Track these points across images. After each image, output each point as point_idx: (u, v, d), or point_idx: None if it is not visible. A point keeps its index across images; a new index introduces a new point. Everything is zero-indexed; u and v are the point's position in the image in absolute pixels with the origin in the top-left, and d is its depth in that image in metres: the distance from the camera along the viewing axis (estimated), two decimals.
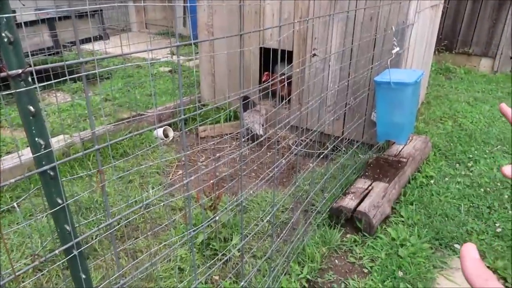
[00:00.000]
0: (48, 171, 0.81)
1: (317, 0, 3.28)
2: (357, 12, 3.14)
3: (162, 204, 2.79)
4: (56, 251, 0.84)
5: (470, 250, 0.39)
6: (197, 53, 4.80)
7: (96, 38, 5.49)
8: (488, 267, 2.21)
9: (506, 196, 2.94)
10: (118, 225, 2.53)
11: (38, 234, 2.42)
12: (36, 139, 0.78)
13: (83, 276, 0.91)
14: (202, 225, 1.26)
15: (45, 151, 0.79)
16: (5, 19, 0.69)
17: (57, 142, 3.34)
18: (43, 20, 4.93)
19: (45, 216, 2.55)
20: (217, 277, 2.24)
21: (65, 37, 5.22)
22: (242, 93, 1.18)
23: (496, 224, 2.64)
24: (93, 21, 5.61)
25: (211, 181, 2.32)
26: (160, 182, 3.18)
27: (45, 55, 4.81)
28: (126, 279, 0.97)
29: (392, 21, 3.04)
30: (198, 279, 1.43)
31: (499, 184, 3.09)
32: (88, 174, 3.08)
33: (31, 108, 0.76)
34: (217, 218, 1.87)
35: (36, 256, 2.04)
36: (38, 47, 4.78)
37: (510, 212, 2.77)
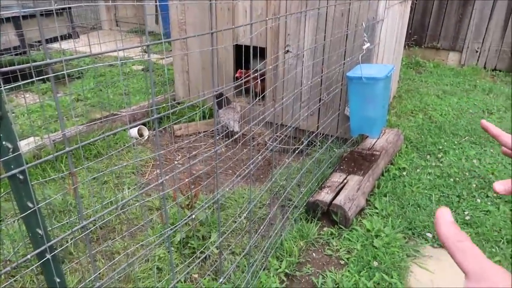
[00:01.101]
0: (18, 175, 0.79)
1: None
2: (329, 8, 3.19)
3: (137, 204, 2.76)
4: (29, 256, 0.83)
5: (444, 214, 0.40)
6: (170, 51, 4.75)
7: (65, 37, 5.35)
8: None
9: (474, 185, 3.05)
10: (93, 226, 2.49)
11: (9, 240, 2.35)
12: (4, 142, 0.76)
13: (58, 280, 0.90)
14: (178, 224, 1.26)
15: (13, 154, 0.77)
16: None
17: (27, 145, 3.25)
18: (8, 19, 4.76)
19: (17, 221, 2.48)
20: (196, 275, 2.24)
21: (33, 36, 5.07)
22: (215, 91, 1.19)
23: (465, 212, 2.75)
24: (61, 19, 5.46)
25: (187, 180, 2.31)
26: (136, 182, 3.14)
27: (12, 55, 4.65)
28: (102, 281, 0.96)
29: (363, 17, 3.10)
30: (177, 278, 1.43)
31: (467, 173, 3.21)
32: (61, 177, 3.01)
33: None
34: (193, 216, 1.87)
35: (7, 262, 1.98)
36: (3, 47, 4.62)
37: (478, 200, 2.88)
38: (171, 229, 1.27)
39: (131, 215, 2.74)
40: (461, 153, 3.58)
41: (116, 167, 3.15)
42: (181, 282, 2.12)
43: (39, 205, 0.83)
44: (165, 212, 1.09)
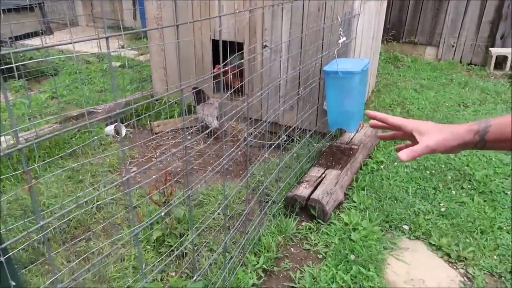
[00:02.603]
0: None
1: None
2: (304, 2, 3.17)
3: (107, 199, 2.71)
4: None
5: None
6: (147, 46, 4.67)
7: (38, 33, 5.20)
8: (434, 245, 2.31)
9: (450, 177, 3.10)
10: (55, 225, 2.43)
11: None
12: None
13: (13, 284, 0.86)
14: (149, 220, 1.23)
15: None
16: None
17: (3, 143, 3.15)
18: None
19: None
20: (173, 273, 2.21)
21: (4, 32, 4.90)
22: (181, 85, 1.16)
23: (440, 204, 2.79)
24: (34, 15, 5.30)
25: (154, 176, 2.27)
26: (112, 180, 3.08)
27: None
28: (63, 283, 0.92)
29: (339, 11, 3.10)
30: (147, 278, 1.40)
31: (443, 166, 3.26)
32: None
33: None
34: (162, 214, 1.84)
35: None
36: None
37: (453, 192, 2.93)
38: (139, 227, 1.24)
39: (107, 214, 2.68)
40: None
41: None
42: (157, 281, 2.09)
43: None
44: (131, 210, 1.06)
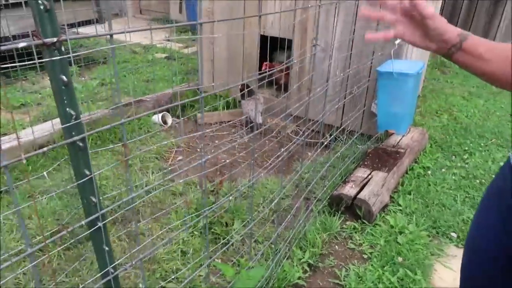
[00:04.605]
0: (78, 142, 0.81)
1: None
2: (360, 1, 3.15)
3: (162, 188, 2.79)
4: (83, 222, 0.85)
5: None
6: (194, 40, 4.76)
7: (91, 22, 5.41)
8: None
9: None
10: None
11: (38, 216, 2.41)
12: (67, 109, 0.78)
13: (106, 248, 0.92)
14: (205, 210, 1.27)
15: (76, 121, 0.79)
16: None
17: (57, 124, 3.31)
18: None
19: (45, 198, 2.53)
20: (219, 261, 2.26)
21: (61, 19, 5.13)
22: (241, 82, 1.18)
23: None
24: (87, 4, 5.52)
25: (214, 167, 2.32)
26: (160, 167, 3.17)
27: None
28: (146, 253, 0.97)
29: None
30: (205, 262, 1.44)
31: (493, 176, 3.15)
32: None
33: (64, 77, 0.76)
34: (219, 203, 1.88)
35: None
36: (31, 29, 4.69)
37: None
38: (198, 215, 1.28)
39: (155, 199, 2.77)
40: (488, 155, 3.51)
41: (139, 151, 3.18)
42: (207, 266, 2.14)
43: (94, 174, 0.85)
44: (203, 192, 1.09)
